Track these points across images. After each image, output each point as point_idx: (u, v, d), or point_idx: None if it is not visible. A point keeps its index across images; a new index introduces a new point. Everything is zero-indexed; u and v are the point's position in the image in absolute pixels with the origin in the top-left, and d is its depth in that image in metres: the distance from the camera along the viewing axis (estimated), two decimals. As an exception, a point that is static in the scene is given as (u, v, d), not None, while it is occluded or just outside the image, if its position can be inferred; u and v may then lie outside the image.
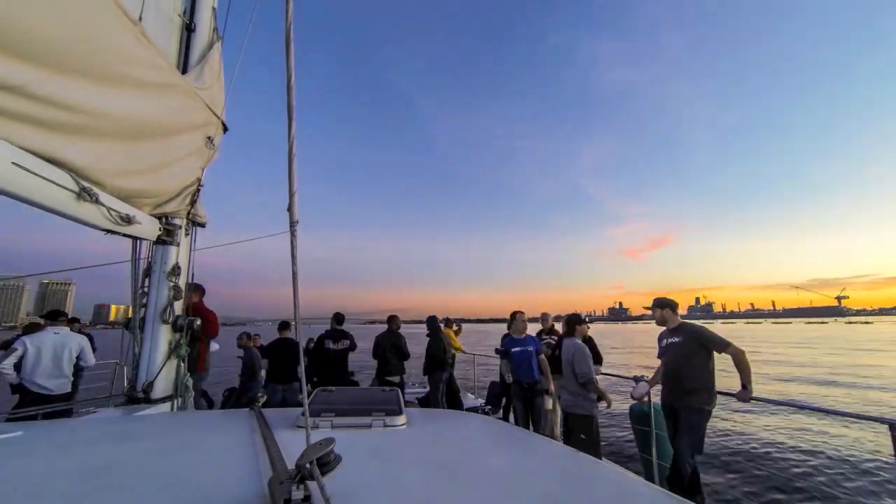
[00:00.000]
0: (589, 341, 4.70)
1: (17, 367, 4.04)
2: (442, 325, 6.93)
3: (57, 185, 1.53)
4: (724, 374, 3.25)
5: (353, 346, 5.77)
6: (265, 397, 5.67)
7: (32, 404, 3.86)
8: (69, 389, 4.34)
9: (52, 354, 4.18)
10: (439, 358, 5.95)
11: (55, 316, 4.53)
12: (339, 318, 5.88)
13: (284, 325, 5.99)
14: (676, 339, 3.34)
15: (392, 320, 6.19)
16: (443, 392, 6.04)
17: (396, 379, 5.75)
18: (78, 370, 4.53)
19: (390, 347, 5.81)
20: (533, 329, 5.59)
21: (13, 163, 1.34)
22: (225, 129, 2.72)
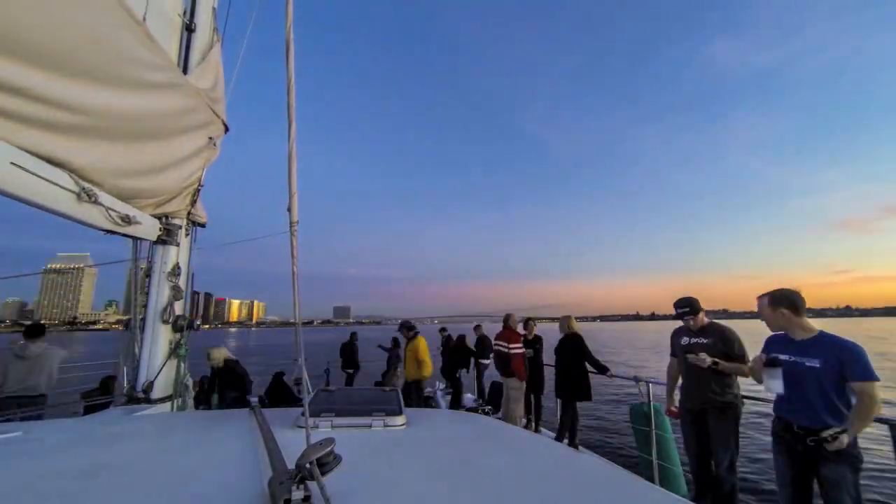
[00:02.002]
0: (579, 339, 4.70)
1: None
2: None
3: (56, 185, 1.52)
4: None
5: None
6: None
7: (9, 409, 3.96)
8: (43, 391, 4.30)
9: (27, 365, 4.19)
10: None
11: (34, 333, 4.44)
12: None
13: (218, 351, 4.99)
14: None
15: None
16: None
17: None
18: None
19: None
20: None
21: (12, 163, 1.33)
22: (226, 129, 2.72)
